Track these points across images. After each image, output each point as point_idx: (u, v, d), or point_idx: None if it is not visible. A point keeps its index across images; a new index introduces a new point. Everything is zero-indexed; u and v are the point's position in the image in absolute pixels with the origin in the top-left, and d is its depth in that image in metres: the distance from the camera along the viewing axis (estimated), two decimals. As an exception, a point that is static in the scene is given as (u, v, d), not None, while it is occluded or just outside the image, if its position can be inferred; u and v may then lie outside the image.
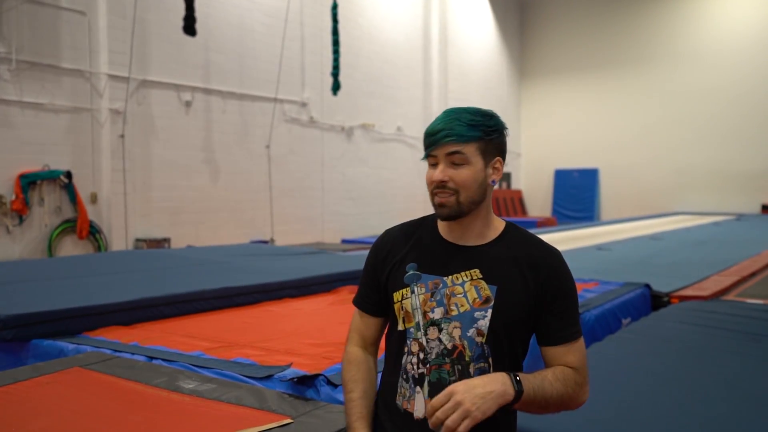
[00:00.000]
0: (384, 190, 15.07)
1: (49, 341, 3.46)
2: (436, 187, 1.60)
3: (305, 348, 3.31)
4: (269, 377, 2.67)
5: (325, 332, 3.72)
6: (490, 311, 1.57)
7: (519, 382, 1.47)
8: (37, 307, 3.64)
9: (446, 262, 1.63)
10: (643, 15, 19.19)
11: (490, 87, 19.59)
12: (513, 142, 20.91)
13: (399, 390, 1.64)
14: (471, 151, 1.58)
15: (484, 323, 1.57)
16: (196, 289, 4.50)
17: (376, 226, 14.56)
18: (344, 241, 12.71)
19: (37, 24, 8.75)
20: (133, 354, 3.11)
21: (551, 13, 20.94)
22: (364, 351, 1.78)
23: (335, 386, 2.55)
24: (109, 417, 2.28)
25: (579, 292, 4.97)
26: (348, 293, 5.12)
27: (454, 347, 1.58)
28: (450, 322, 1.58)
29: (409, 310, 1.63)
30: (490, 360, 1.57)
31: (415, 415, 1.60)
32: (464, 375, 1.56)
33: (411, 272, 1.64)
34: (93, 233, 9.38)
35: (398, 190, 15.42)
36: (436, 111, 16.36)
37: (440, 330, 1.59)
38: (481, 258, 1.62)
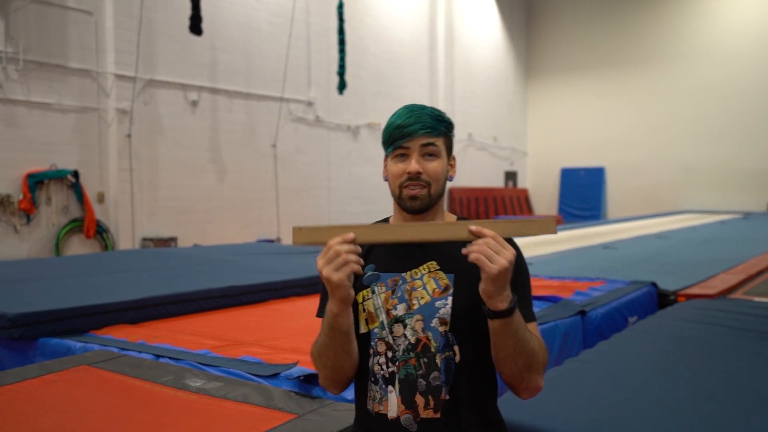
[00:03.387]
0: (389, 189, 15.04)
1: (57, 340, 3.48)
2: (409, 179, 1.60)
3: (311, 346, 3.31)
4: (276, 375, 2.67)
5: (331, 331, 3.72)
6: (450, 298, 1.57)
7: (515, 304, 1.47)
8: (44, 305, 3.66)
9: (403, 259, 1.64)
10: (649, 13, 19.12)
11: (496, 86, 19.56)
12: (519, 140, 20.88)
13: (369, 394, 1.62)
14: (440, 144, 1.63)
15: (446, 311, 1.57)
16: (203, 287, 4.51)
17: (382, 225, 14.56)
18: (350, 240, 12.70)
19: (44, 24, 8.79)
20: (140, 352, 3.12)
21: (557, 12, 20.89)
22: None
23: (341, 384, 2.55)
24: (116, 415, 2.29)
25: (585, 290, 4.97)
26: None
27: (418, 340, 1.56)
28: (413, 316, 1.58)
29: (372, 310, 1.62)
30: (456, 348, 1.56)
31: (389, 415, 1.58)
32: (431, 367, 1.55)
33: (369, 273, 1.62)
34: (100, 232, 9.41)
35: (404, 188, 15.40)
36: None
37: (405, 326, 1.58)
38: (436, 250, 1.61)
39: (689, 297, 5.22)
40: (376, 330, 1.61)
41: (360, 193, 14.21)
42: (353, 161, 14.05)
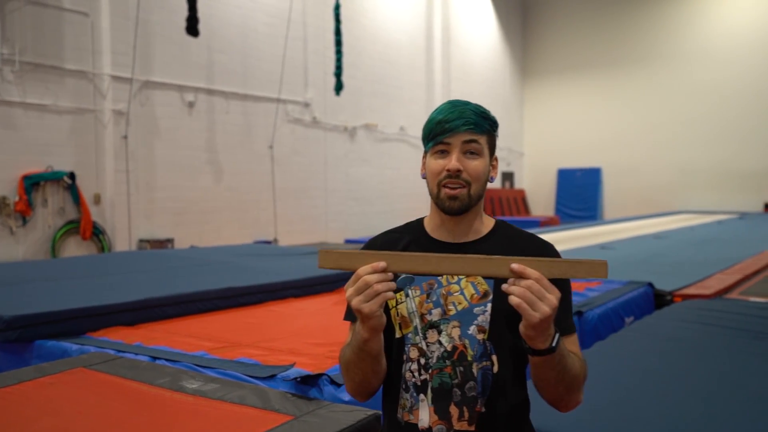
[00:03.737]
0: (387, 190, 15.07)
1: (53, 342, 3.47)
2: (448, 177, 1.51)
3: (308, 348, 3.31)
4: (272, 377, 2.67)
5: (328, 332, 3.72)
6: (489, 305, 1.49)
7: (558, 339, 1.38)
8: (40, 307, 3.65)
9: None
10: (645, 13, 19.16)
11: (492, 87, 19.58)
12: (516, 141, 20.89)
13: (399, 402, 1.55)
14: (483, 142, 1.54)
15: (484, 318, 1.49)
16: (200, 289, 4.51)
17: (380, 226, 14.47)
18: (347, 241, 12.72)
19: (40, 25, 8.78)
20: (136, 354, 3.11)
21: (553, 13, 20.92)
22: None
23: (338, 385, 2.56)
24: (113, 417, 2.28)
25: (582, 291, 4.98)
26: (351, 293, 5.12)
27: (455, 348, 1.49)
28: (449, 322, 1.50)
29: (405, 314, 1.54)
30: (494, 358, 1.49)
31: (419, 425, 1.50)
32: (467, 377, 1.48)
33: (403, 276, 1.53)
34: (96, 234, 9.40)
35: (401, 189, 15.42)
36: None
37: (439, 332, 1.50)
38: (476, 252, 1.51)
39: (686, 297, 5.23)
40: (409, 335, 1.53)
41: (357, 194, 14.22)
42: (350, 162, 14.05)
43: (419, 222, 1.69)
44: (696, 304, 4.83)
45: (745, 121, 17.72)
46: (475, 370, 1.48)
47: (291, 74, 12.43)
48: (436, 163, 1.53)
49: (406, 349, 1.53)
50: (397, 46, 15.43)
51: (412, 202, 15.60)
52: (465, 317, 1.49)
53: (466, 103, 1.55)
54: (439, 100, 16.57)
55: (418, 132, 16.33)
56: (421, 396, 1.51)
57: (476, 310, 1.49)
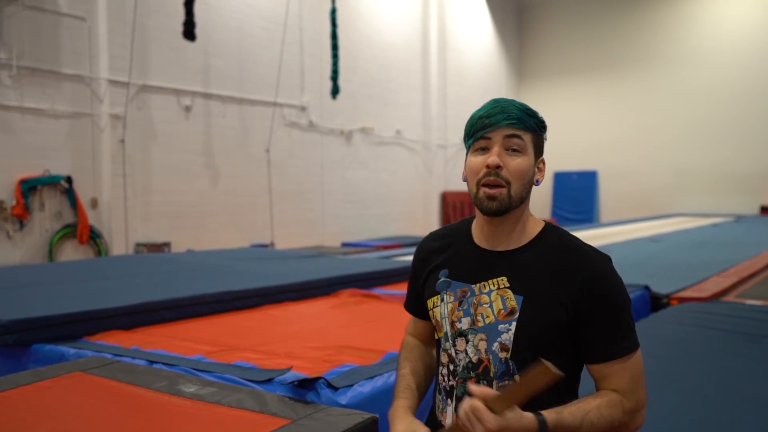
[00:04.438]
0: (384, 194, 15.08)
1: (50, 346, 3.46)
2: (487, 175, 1.45)
3: (306, 351, 3.32)
4: (270, 381, 2.67)
5: (325, 335, 3.72)
6: (514, 324, 1.43)
7: (544, 427, 1.31)
8: (37, 312, 3.64)
9: (475, 269, 1.52)
10: (640, 17, 19.22)
11: (488, 90, 19.60)
12: (512, 144, 20.88)
13: (436, 402, 1.57)
14: (527, 140, 1.48)
15: (507, 337, 1.43)
16: (197, 293, 4.50)
17: (376, 230, 14.57)
18: (344, 245, 12.72)
19: (37, 30, 8.78)
20: (133, 358, 3.11)
21: (549, 16, 20.97)
22: (417, 339, 1.73)
23: (336, 389, 2.56)
24: (110, 421, 2.28)
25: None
26: (348, 296, 5.12)
27: (480, 361, 1.46)
28: (476, 334, 1.46)
29: (438, 319, 1.53)
30: (516, 378, 1.42)
31: (445, 427, 1.51)
32: None
33: (442, 279, 1.54)
34: (93, 238, 9.39)
35: (398, 193, 15.44)
36: (435, 114, 16.40)
37: (467, 341, 1.47)
38: (510, 265, 1.48)
39: (682, 300, 5.24)
40: (442, 339, 1.53)
41: (354, 197, 14.22)
42: (347, 166, 14.06)
43: (470, 221, 1.64)
44: (692, 306, 4.84)
45: (740, 124, 17.77)
46: (495, 387, 1.44)
47: (287, 78, 12.44)
48: (476, 160, 1.47)
49: (440, 352, 1.54)
50: (393, 49, 15.46)
51: (408, 205, 15.62)
52: (491, 332, 1.45)
53: (512, 100, 1.50)
54: (435, 104, 16.60)
55: (414, 135, 16.45)
56: (449, 401, 1.51)
57: (501, 327, 1.45)
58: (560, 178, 20.64)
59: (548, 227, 1.55)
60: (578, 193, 20.17)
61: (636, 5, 19.25)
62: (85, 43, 9.34)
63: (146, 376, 2.73)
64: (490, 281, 1.48)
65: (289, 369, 2.79)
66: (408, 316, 1.77)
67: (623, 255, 8.21)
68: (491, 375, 1.45)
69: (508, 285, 1.46)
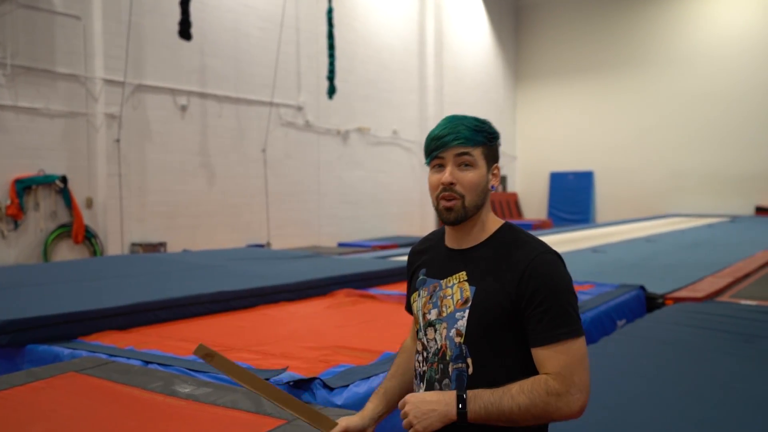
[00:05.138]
0: (380, 194, 15.08)
1: (45, 346, 3.46)
2: (444, 190, 1.62)
3: (301, 351, 3.31)
4: (265, 381, 2.67)
5: (321, 336, 3.72)
6: (467, 311, 1.60)
7: (464, 402, 1.49)
8: (32, 312, 3.64)
9: (444, 267, 1.70)
10: (637, 18, 19.25)
11: (485, 90, 19.62)
12: (508, 145, 20.93)
13: (415, 388, 1.74)
14: (477, 154, 1.62)
15: (462, 323, 1.60)
16: (192, 293, 4.50)
17: (372, 230, 14.56)
18: (340, 245, 12.71)
19: (32, 29, 8.75)
20: (128, 358, 3.11)
21: (546, 17, 21.00)
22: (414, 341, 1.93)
23: (331, 389, 2.56)
24: (105, 422, 2.28)
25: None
26: (344, 297, 5.12)
27: (441, 347, 1.63)
28: (441, 323, 1.63)
29: (416, 312, 1.73)
30: (469, 360, 1.59)
31: None
32: (444, 375, 1.61)
33: (421, 277, 1.73)
34: (88, 238, 9.37)
35: (394, 193, 15.44)
36: (432, 115, 16.39)
37: (435, 330, 1.65)
38: (469, 260, 1.66)
39: (677, 300, 5.25)
40: (419, 330, 1.71)
41: (350, 197, 14.21)
42: (343, 166, 14.06)
43: (442, 231, 1.82)
44: (687, 307, 4.85)
45: (736, 125, 17.82)
46: (450, 370, 1.61)
47: (284, 78, 12.43)
48: (434, 178, 1.65)
49: (418, 342, 1.72)
50: (389, 50, 15.45)
51: (404, 205, 15.62)
52: (450, 320, 1.63)
53: (462, 118, 1.65)
54: (431, 104, 16.60)
55: (410, 136, 16.43)
56: (420, 384, 1.69)
57: (457, 314, 1.62)
58: (556, 179, 20.67)
59: (504, 226, 1.70)
60: (574, 193, 20.20)
61: (633, 7, 19.29)
62: (80, 42, 9.32)
63: (141, 377, 2.72)
64: (454, 276, 1.66)
65: (284, 369, 2.79)
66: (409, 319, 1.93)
67: (619, 255, 8.23)
68: (447, 359, 1.61)
69: (466, 278, 1.64)
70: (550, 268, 1.58)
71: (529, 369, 1.58)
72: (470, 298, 1.60)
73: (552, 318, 1.54)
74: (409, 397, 1.54)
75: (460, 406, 1.49)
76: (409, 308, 1.83)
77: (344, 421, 1.70)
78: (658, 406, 2.72)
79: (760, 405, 2.75)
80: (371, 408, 1.77)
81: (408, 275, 1.86)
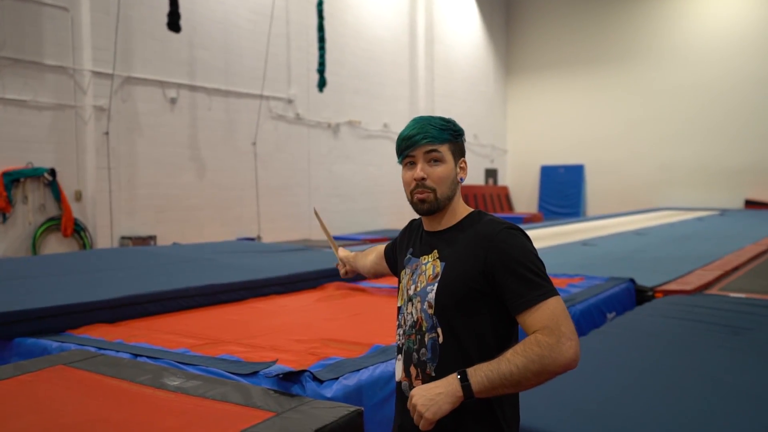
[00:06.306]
0: (371, 187, 15.07)
1: (33, 339, 3.43)
2: (417, 186, 1.79)
3: (291, 344, 3.31)
4: (255, 374, 2.66)
5: (310, 329, 3.71)
6: (436, 284, 1.75)
7: (465, 375, 1.56)
8: (20, 305, 3.61)
9: (422, 247, 1.88)
10: (628, 12, 19.29)
11: (476, 84, 19.62)
12: (499, 138, 20.97)
13: (396, 364, 1.86)
14: (445, 150, 1.80)
15: (432, 296, 1.75)
16: (182, 286, 4.48)
17: (363, 223, 14.56)
18: (332, 238, 12.68)
19: (19, 20, 8.67)
20: (117, 351, 3.09)
21: (537, 11, 21.01)
22: (378, 256, 2.36)
23: (321, 382, 2.56)
24: (94, 415, 2.26)
25: (563, 287, 4.99)
26: (334, 289, 5.12)
27: (417, 319, 1.78)
28: (416, 297, 1.80)
29: (401, 287, 1.90)
30: (439, 330, 1.73)
31: (395, 378, 1.86)
32: (421, 344, 1.75)
33: (408, 255, 1.92)
34: (78, 231, 9.32)
35: (385, 186, 15.43)
36: (423, 108, 16.38)
37: (412, 304, 1.81)
38: (441, 240, 1.83)
39: (667, 293, 5.28)
40: (401, 304, 1.87)
41: (341, 191, 14.20)
42: (333, 159, 14.03)
43: (420, 221, 2.02)
44: (677, 299, 4.87)
45: (725, 119, 17.91)
46: (426, 339, 1.76)
47: (274, 71, 12.38)
48: (407, 174, 1.83)
49: (399, 317, 1.88)
50: (380, 43, 15.42)
51: (395, 198, 15.61)
52: (423, 294, 1.79)
53: (429, 118, 1.83)
54: (422, 98, 16.59)
55: (401, 128, 16.58)
56: (399, 356, 1.84)
57: (428, 288, 1.77)
58: (547, 172, 20.73)
59: (474, 212, 1.86)
60: (565, 187, 20.27)
61: (623, 1, 19.32)
62: (68, 34, 9.24)
63: (130, 370, 2.71)
64: (429, 255, 1.84)
65: (274, 362, 2.78)
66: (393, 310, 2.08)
67: (609, 248, 8.25)
68: (423, 329, 1.76)
69: (438, 256, 1.80)
70: (514, 238, 1.71)
71: (501, 337, 1.71)
72: (440, 273, 1.76)
73: (524, 283, 1.64)
74: (413, 390, 1.61)
75: (463, 381, 1.55)
76: (388, 252, 2.25)
77: (342, 252, 2.53)
78: (647, 399, 2.73)
79: (749, 397, 2.76)
80: (351, 255, 2.49)
81: (400, 247, 2.05)
